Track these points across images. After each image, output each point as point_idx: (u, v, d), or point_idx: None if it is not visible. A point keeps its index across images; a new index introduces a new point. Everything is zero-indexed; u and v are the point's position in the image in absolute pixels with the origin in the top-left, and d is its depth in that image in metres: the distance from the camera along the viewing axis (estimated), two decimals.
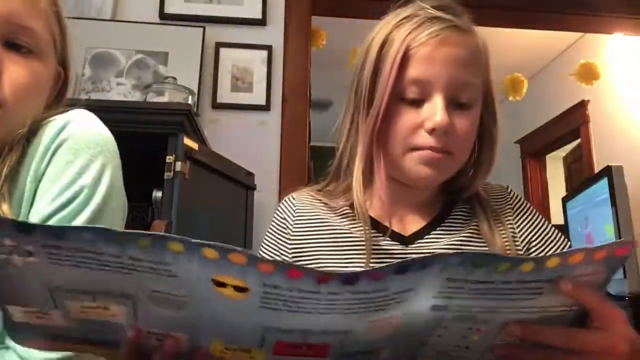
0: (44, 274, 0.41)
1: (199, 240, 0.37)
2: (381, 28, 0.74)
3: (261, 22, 2.06)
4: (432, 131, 0.69)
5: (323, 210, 0.80)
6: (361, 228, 0.74)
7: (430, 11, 0.71)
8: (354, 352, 0.45)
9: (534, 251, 0.77)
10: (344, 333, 0.43)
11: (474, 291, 0.43)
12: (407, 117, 0.70)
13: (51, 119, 0.67)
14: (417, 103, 0.70)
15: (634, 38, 2.87)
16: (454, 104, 0.70)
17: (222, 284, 0.38)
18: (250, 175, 1.71)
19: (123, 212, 0.72)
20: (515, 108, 3.68)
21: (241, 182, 1.66)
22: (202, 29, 2.00)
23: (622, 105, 3.17)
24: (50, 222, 0.62)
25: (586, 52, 3.41)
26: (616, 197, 2.44)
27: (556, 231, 0.79)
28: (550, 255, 0.43)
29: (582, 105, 3.46)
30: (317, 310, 0.40)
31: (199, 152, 1.40)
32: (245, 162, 1.72)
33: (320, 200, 0.81)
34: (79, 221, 0.63)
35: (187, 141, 1.36)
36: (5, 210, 0.61)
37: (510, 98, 3.22)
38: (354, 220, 0.76)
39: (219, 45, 2.02)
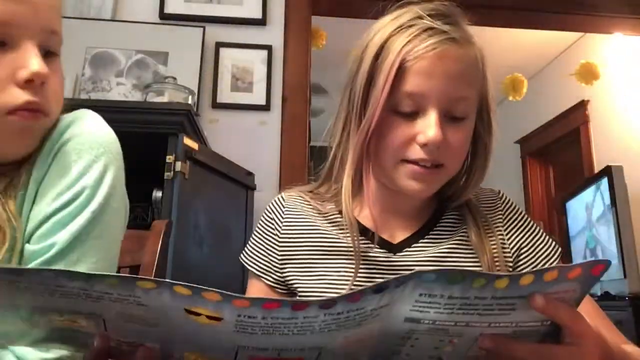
0: (6, 297, 0.41)
1: (169, 280, 0.37)
2: (377, 33, 0.72)
3: (261, 22, 2.06)
4: (424, 145, 0.68)
5: (312, 214, 0.79)
6: (350, 236, 0.74)
7: (427, 21, 0.69)
8: None
9: (523, 259, 0.76)
10: (319, 348, 0.43)
11: (449, 306, 0.43)
12: (400, 130, 0.69)
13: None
14: (411, 116, 0.69)
15: (634, 38, 2.88)
16: (448, 117, 0.69)
17: (195, 313, 0.38)
18: (250, 175, 1.71)
19: (125, 213, 0.71)
20: (515, 108, 3.68)
21: (241, 182, 1.66)
22: (202, 29, 2.00)
23: (622, 105, 3.16)
24: (50, 222, 0.62)
25: (586, 52, 3.41)
26: (616, 197, 2.45)
27: (547, 238, 0.78)
28: (524, 272, 0.43)
29: (582, 105, 3.46)
30: (293, 332, 0.40)
31: (199, 152, 1.40)
32: (245, 162, 1.72)
33: (310, 203, 0.81)
34: (79, 221, 0.63)
35: (187, 141, 1.36)
36: (12, 208, 0.62)
37: (510, 98, 3.23)
38: (342, 227, 0.76)
39: (219, 45, 2.02)
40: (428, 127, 0.67)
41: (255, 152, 1.93)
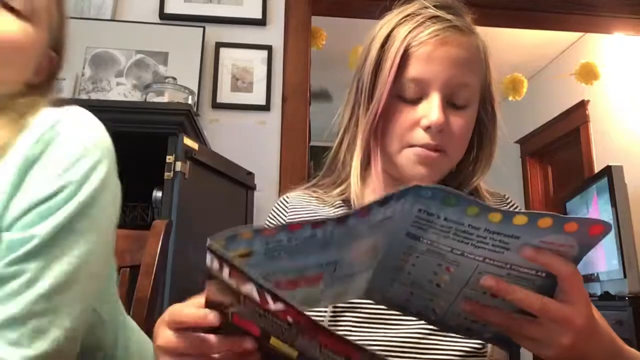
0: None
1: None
2: (384, 25, 0.75)
3: (261, 22, 2.06)
4: (427, 129, 0.70)
5: (317, 205, 0.81)
6: None
7: (431, 10, 0.72)
8: (342, 276, 0.50)
9: None
10: (334, 263, 0.48)
11: (445, 229, 0.47)
12: (405, 115, 0.71)
13: (47, 108, 0.66)
14: (415, 101, 0.71)
15: (634, 38, 2.88)
16: (450, 104, 0.71)
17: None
18: (250, 175, 1.71)
19: (114, 211, 0.69)
20: (515, 108, 3.68)
21: (241, 182, 1.66)
22: (202, 29, 2.00)
23: (622, 105, 3.17)
24: (29, 215, 0.60)
25: (586, 52, 3.41)
26: (616, 197, 2.45)
27: None
28: (518, 211, 0.44)
29: (582, 105, 3.46)
30: (314, 249, 0.45)
31: (199, 152, 1.40)
32: (245, 162, 1.72)
33: (313, 195, 0.82)
34: (58, 217, 0.61)
35: (187, 141, 1.36)
36: None
37: (510, 98, 3.22)
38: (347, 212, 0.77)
39: (219, 45, 2.02)
40: (430, 110, 0.69)
41: (255, 152, 1.93)
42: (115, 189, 0.69)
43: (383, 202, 0.44)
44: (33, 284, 0.58)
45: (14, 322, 0.56)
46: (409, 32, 0.71)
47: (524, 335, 0.51)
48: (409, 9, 0.74)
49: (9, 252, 0.59)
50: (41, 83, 0.73)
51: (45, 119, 0.65)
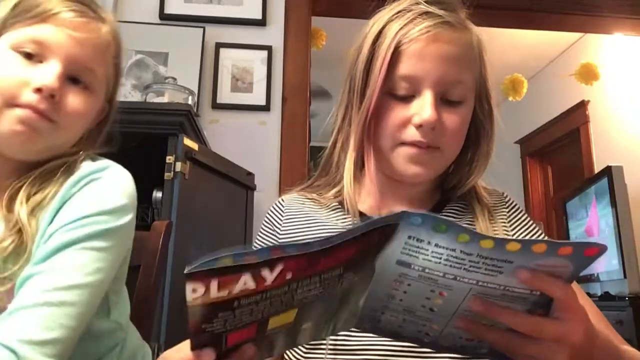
0: None
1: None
2: (375, 22, 0.74)
3: (261, 22, 2.06)
4: (419, 126, 0.69)
5: (312, 207, 0.80)
6: (350, 222, 0.74)
7: (423, 6, 0.71)
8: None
9: None
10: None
11: (436, 255, 0.46)
12: (397, 113, 0.70)
13: (89, 161, 0.75)
14: (408, 99, 0.70)
15: (634, 38, 2.88)
16: (444, 101, 0.70)
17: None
18: (250, 175, 1.71)
19: (119, 259, 0.73)
20: (515, 108, 3.68)
21: (241, 182, 1.66)
22: (202, 29, 2.00)
23: (622, 105, 3.16)
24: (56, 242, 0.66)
25: (586, 52, 3.41)
26: (616, 197, 2.45)
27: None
28: (511, 239, 0.44)
29: (582, 105, 3.46)
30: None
31: (199, 152, 1.40)
32: (245, 162, 1.72)
33: (308, 197, 0.82)
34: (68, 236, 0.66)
35: (187, 141, 1.36)
36: (33, 225, 0.67)
37: (510, 98, 3.22)
38: (343, 214, 0.77)
39: (219, 45, 2.02)
40: (422, 108, 0.68)
41: (255, 152, 1.93)
42: (130, 239, 0.76)
43: (368, 225, 0.43)
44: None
45: None
46: (400, 29, 0.70)
47: (522, 354, 0.50)
48: (401, 5, 0.73)
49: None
50: (91, 130, 0.81)
51: (93, 164, 0.74)
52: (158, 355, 0.56)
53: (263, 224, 0.82)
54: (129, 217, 0.72)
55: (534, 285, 0.46)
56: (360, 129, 0.73)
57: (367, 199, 0.78)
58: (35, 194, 0.70)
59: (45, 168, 0.73)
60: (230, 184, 1.61)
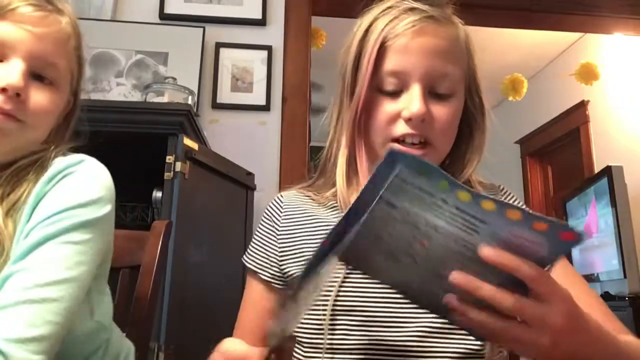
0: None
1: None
2: (363, 20, 0.75)
3: (261, 22, 2.06)
4: (409, 120, 0.69)
5: (310, 204, 0.81)
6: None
7: (409, 3, 0.72)
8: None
9: None
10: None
11: (418, 198, 0.47)
12: (386, 108, 0.71)
13: (61, 157, 0.74)
14: (396, 94, 0.71)
15: (634, 38, 2.87)
16: (432, 94, 0.71)
17: None
18: (250, 175, 1.71)
19: (105, 247, 0.74)
20: (515, 108, 3.67)
21: (241, 182, 1.66)
22: (202, 29, 2.00)
23: (622, 105, 3.16)
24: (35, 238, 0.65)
25: (586, 52, 3.41)
26: (616, 197, 2.45)
27: None
28: (488, 196, 0.43)
29: (582, 105, 3.46)
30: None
31: (199, 152, 1.40)
32: (245, 162, 1.72)
33: (307, 195, 0.82)
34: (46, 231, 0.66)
35: (187, 141, 1.36)
36: (10, 226, 0.67)
37: (510, 98, 3.22)
38: (341, 212, 0.77)
39: (219, 45, 2.02)
40: (411, 101, 0.69)
41: (255, 152, 1.93)
42: (110, 233, 0.75)
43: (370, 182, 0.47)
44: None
45: None
46: (386, 25, 0.71)
47: (505, 337, 0.49)
48: (388, 2, 0.74)
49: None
50: (59, 125, 0.80)
51: (66, 160, 0.73)
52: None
53: (262, 220, 0.83)
54: (107, 209, 0.72)
55: (501, 266, 0.45)
56: (351, 126, 0.74)
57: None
58: (9, 194, 0.69)
59: (16, 167, 0.72)
60: (230, 184, 1.61)
